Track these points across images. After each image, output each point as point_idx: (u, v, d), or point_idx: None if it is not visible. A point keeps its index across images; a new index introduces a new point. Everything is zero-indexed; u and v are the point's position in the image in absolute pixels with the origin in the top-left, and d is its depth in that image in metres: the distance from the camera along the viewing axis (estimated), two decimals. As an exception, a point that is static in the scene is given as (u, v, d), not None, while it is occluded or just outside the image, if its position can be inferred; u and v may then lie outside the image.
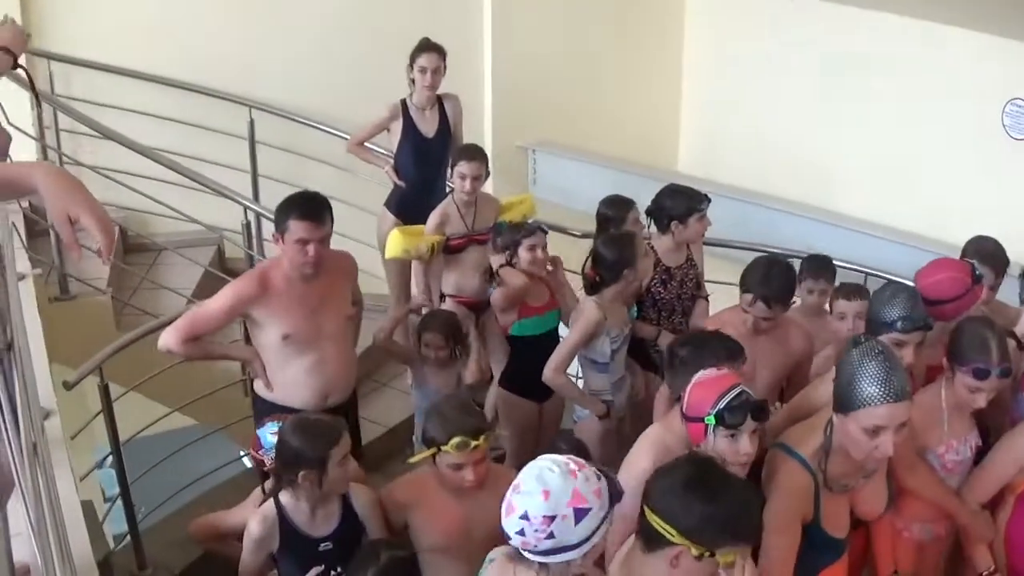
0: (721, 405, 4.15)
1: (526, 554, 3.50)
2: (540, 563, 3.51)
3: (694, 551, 3.36)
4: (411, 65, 8.03)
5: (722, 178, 10.94)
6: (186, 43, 9.50)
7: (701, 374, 4.37)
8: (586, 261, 6.44)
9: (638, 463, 4.34)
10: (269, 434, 5.17)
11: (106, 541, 6.51)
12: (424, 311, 7.30)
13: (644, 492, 3.53)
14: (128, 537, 6.71)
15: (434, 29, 8.38)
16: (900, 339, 4.99)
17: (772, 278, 5.59)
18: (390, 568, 4.59)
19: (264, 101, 9.57)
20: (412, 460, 5.13)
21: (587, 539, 3.45)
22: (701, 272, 7.22)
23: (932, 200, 9.53)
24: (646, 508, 3.46)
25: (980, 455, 5.12)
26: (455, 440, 4.63)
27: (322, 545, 4.92)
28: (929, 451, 5.00)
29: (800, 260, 6.63)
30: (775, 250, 7.39)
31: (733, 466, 4.19)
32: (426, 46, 8.03)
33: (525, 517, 3.41)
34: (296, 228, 5.57)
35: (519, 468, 3.61)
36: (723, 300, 6.68)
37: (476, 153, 7.35)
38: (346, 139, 8.63)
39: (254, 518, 4.95)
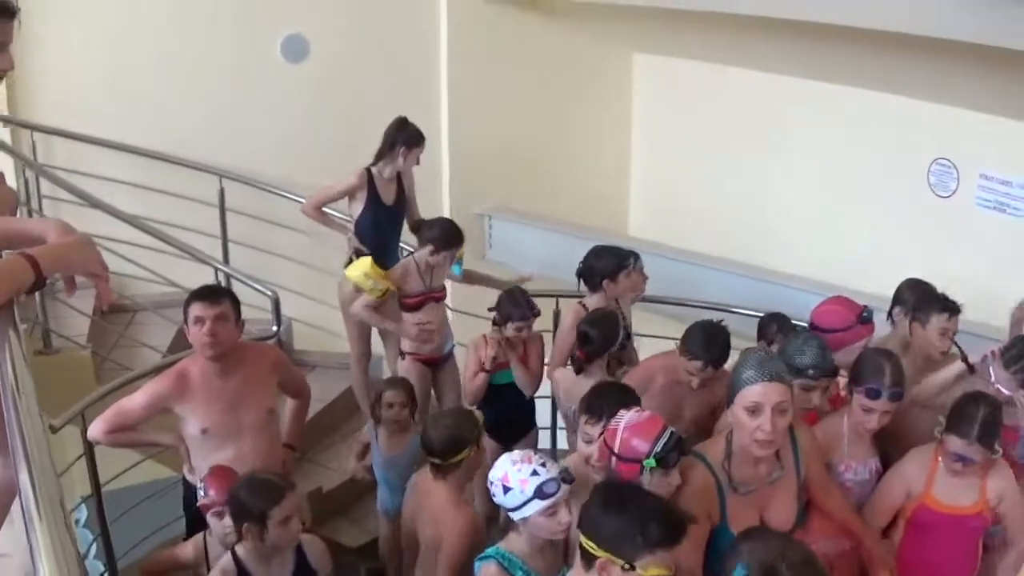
0: (658, 449, 4.47)
1: None
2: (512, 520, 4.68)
3: (616, 562, 3.66)
4: (403, 147, 8.26)
5: (670, 240, 11.28)
6: (161, 115, 9.92)
7: (629, 418, 4.66)
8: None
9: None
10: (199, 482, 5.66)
11: None
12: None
13: (578, 517, 3.96)
14: None
15: (394, 100, 8.88)
16: (810, 384, 5.52)
17: (714, 343, 6.13)
18: None
19: (234, 170, 9.89)
20: None
21: (517, 508, 4.60)
22: (629, 324, 7.61)
23: (860, 254, 9.94)
24: (579, 529, 3.87)
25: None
26: None
27: None
28: (830, 468, 5.41)
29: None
30: (720, 310, 7.87)
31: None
32: (423, 137, 8.39)
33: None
34: (193, 309, 5.80)
35: None
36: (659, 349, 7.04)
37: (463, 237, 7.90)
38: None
39: (215, 572, 5.21)
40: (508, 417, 7.30)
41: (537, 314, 7.26)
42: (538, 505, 4.53)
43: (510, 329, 7.15)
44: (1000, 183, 9.46)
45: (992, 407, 5.26)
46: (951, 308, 6.22)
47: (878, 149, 10.19)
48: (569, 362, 6.95)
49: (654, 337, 8.15)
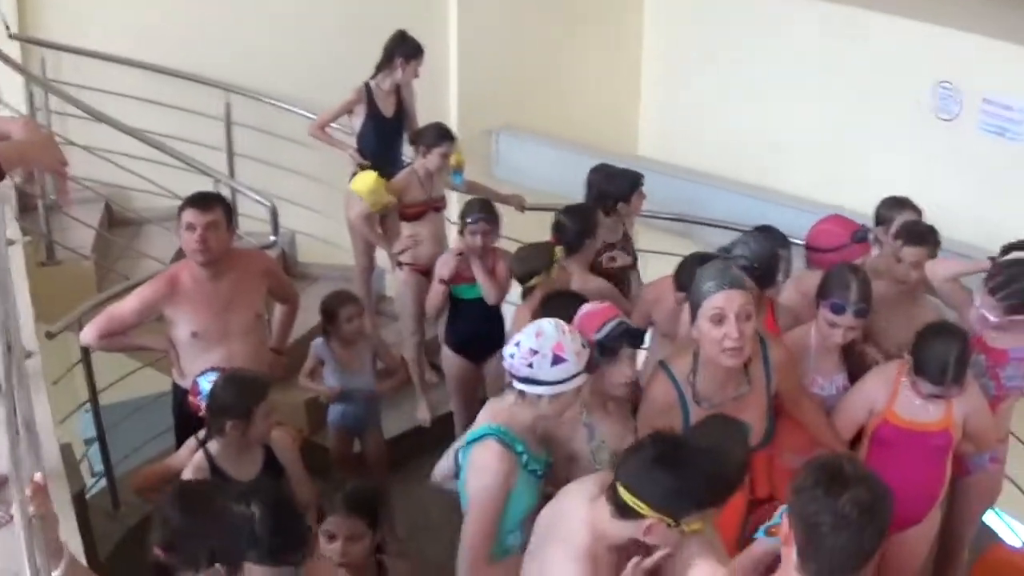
0: (603, 334, 4.56)
1: (509, 378, 4.34)
2: (519, 391, 4.34)
3: (665, 521, 3.60)
4: (401, 59, 8.41)
5: (678, 160, 11.41)
6: (169, 31, 9.91)
7: (586, 308, 4.79)
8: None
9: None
10: (207, 382, 5.47)
11: (82, 479, 6.87)
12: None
13: (616, 469, 3.78)
14: (103, 479, 7.20)
15: (403, 15, 8.94)
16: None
17: None
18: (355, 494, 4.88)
19: (241, 85, 9.95)
20: None
21: (556, 383, 4.27)
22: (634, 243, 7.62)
23: (866, 177, 9.82)
24: (619, 484, 3.67)
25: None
26: None
27: None
28: None
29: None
30: (726, 228, 8.01)
31: (615, 389, 4.72)
32: (421, 50, 8.50)
33: (517, 344, 4.30)
34: (185, 215, 5.87)
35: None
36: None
37: (452, 134, 7.90)
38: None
39: (188, 469, 5.28)
40: (476, 333, 7.21)
41: (490, 220, 7.10)
42: (581, 380, 4.35)
43: (467, 235, 7.04)
44: (1003, 107, 9.48)
45: (961, 345, 5.16)
46: (921, 240, 6.12)
47: (882, 72, 10.20)
48: None
49: (661, 254, 8.06)
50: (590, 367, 4.35)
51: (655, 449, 3.70)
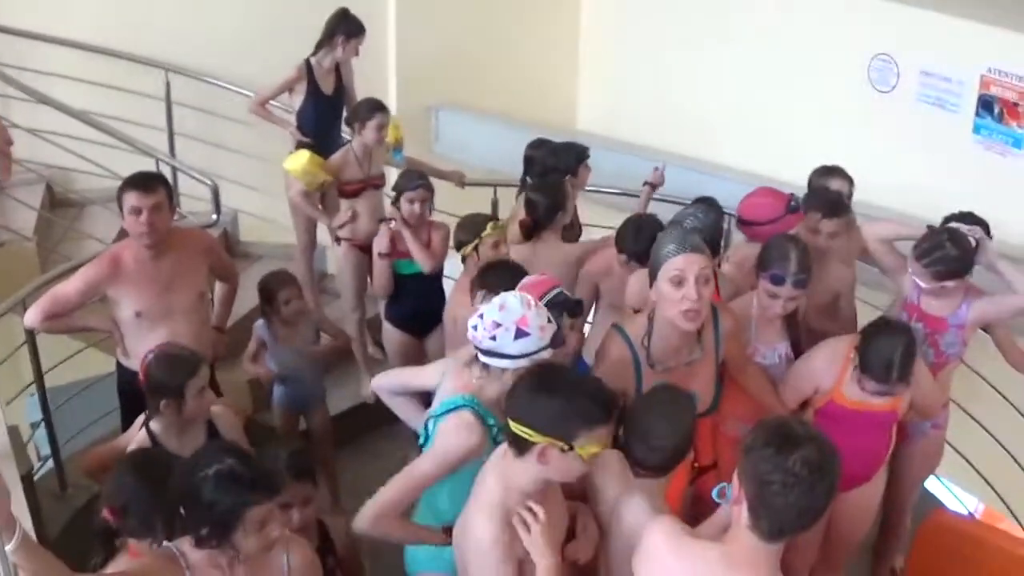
0: (544, 301, 4.55)
1: (474, 349, 4.36)
2: (483, 364, 4.35)
3: (556, 445, 3.66)
4: (342, 36, 8.49)
5: (619, 135, 11.52)
6: (108, 10, 9.89)
7: (527, 279, 4.86)
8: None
9: None
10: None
11: (29, 460, 6.87)
12: None
13: (505, 406, 3.85)
14: (51, 461, 7.17)
15: (341, -5, 8.84)
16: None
17: (640, 235, 6.03)
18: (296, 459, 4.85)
19: (181, 64, 9.95)
20: None
21: (519, 357, 4.24)
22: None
23: (804, 149, 9.46)
24: (509, 419, 3.75)
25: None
26: None
27: None
28: None
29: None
30: (662, 200, 8.00)
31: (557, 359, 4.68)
32: (363, 28, 8.58)
33: (481, 317, 4.28)
34: (128, 198, 5.84)
35: None
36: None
37: (385, 106, 7.89)
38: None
39: (130, 448, 5.21)
40: (418, 308, 7.26)
41: (429, 187, 7.18)
42: (546, 355, 4.31)
43: (404, 203, 7.09)
44: (941, 79, 9.55)
45: (906, 342, 5.19)
46: (837, 211, 6.23)
47: (820, 45, 10.29)
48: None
49: (602, 228, 8.09)
50: (555, 342, 4.35)
51: (535, 377, 3.81)
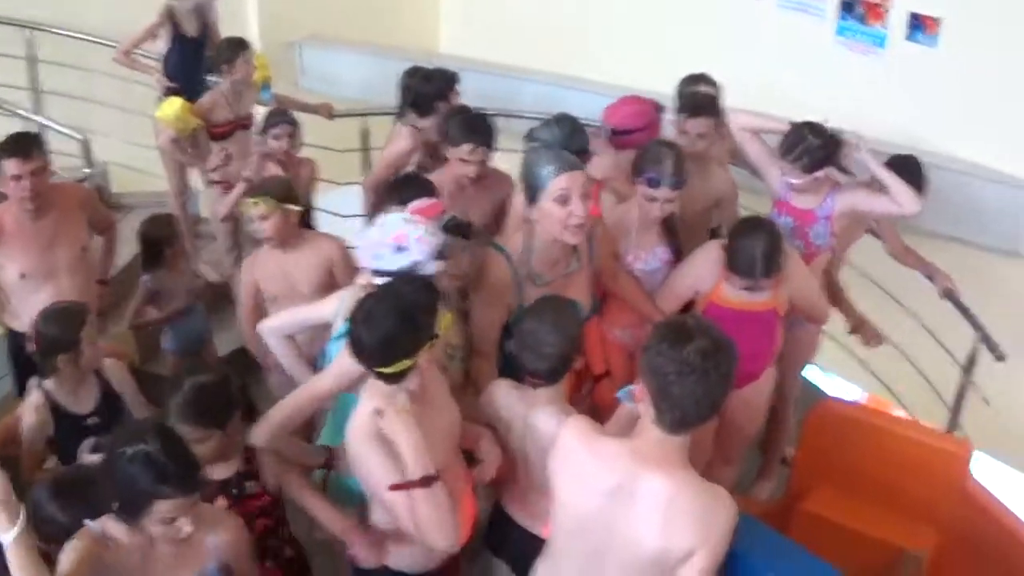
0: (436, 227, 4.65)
1: (364, 271, 4.53)
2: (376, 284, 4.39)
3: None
4: None
5: (482, 55, 11.44)
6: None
7: (413, 204, 4.84)
8: None
9: None
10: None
11: None
12: None
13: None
14: None
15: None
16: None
17: (476, 128, 6.05)
18: (197, 395, 4.34)
19: (42, 21, 9.87)
20: None
21: (403, 272, 4.35)
22: None
23: (668, 58, 9.11)
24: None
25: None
26: None
27: (89, 420, 5.27)
28: (619, 259, 5.58)
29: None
30: (528, 116, 8.05)
31: (448, 281, 4.83)
32: None
33: (365, 237, 4.46)
34: (8, 166, 5.79)
35: None
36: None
37: (248, 43, 7.94)
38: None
39: (27, 410, 5.21)
40: None
41: (292, 122, 7.34)
42: (432, 268, 4.43)
43: (271, 140, 7.25)
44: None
45: (769, 239, 5.31)
46: (701, 111, 6.35)
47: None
48: None
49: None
50: (441, 255, 4.46)
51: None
